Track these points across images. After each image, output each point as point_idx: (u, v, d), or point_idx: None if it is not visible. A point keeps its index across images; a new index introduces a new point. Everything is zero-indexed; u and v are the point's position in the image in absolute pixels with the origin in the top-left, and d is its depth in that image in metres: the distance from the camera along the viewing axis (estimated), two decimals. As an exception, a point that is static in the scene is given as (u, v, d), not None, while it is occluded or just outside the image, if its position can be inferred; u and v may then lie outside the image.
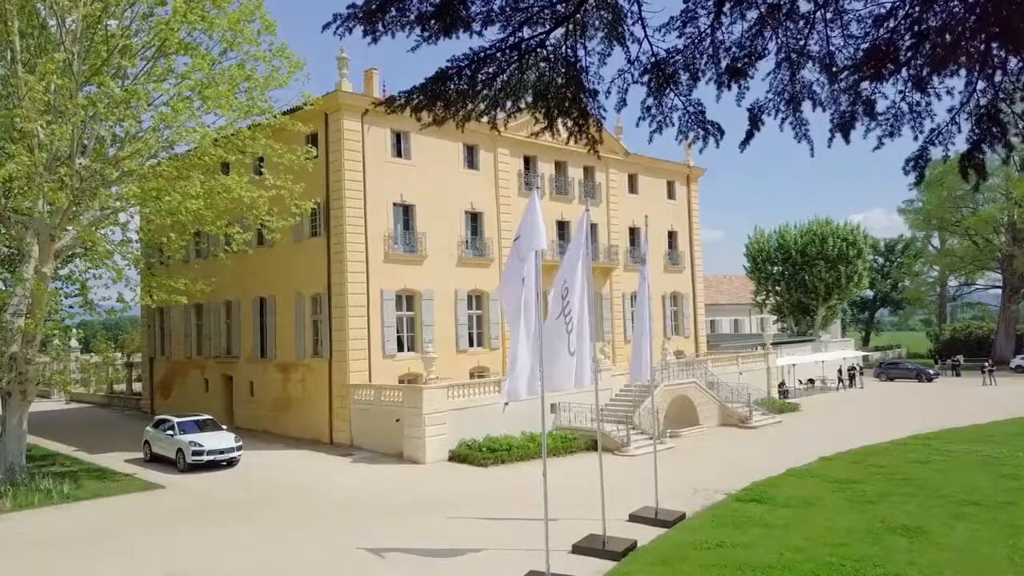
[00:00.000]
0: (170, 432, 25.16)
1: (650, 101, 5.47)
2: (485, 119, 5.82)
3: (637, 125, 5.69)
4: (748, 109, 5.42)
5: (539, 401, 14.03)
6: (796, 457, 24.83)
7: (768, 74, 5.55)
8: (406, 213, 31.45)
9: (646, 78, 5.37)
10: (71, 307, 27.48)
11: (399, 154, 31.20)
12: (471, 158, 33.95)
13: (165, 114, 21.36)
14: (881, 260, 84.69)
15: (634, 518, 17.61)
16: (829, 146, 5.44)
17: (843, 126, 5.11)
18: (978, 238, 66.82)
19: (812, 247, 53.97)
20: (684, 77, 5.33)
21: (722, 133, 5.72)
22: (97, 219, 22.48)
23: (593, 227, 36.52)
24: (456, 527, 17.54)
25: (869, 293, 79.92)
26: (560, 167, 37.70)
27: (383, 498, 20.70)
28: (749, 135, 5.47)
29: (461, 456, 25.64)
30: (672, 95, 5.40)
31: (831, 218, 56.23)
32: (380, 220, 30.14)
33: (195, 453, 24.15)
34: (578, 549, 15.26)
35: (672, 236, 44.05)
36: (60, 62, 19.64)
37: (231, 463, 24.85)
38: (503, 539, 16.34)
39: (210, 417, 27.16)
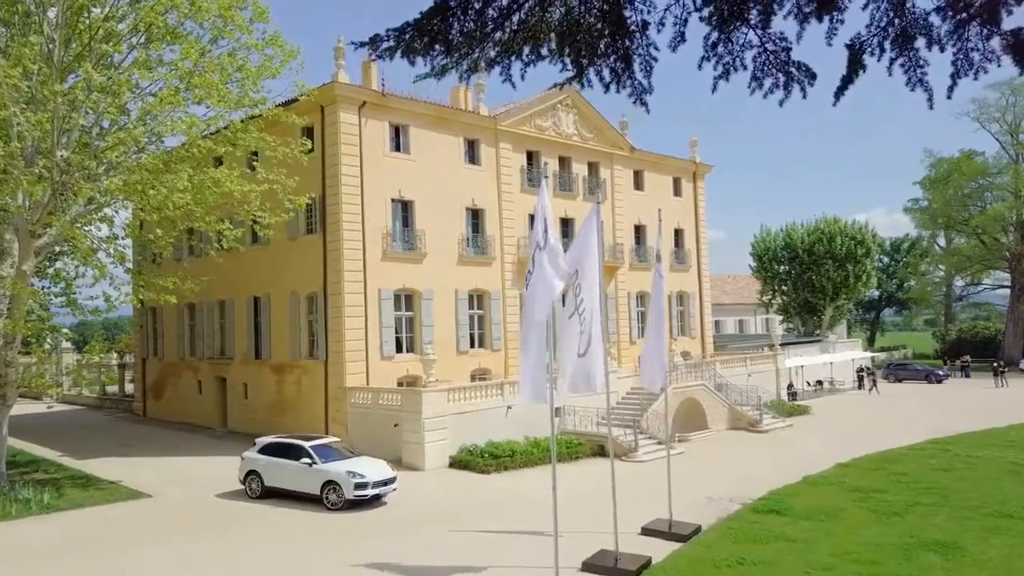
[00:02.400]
0: (307, 460, 19.90)
1: (715, 36, 4.34)
2: (497, 69, 4.71)
3: (700, 67, 4.53)
4: (847, 46, 4.27)
5: (542, 404, 13.17)
6: (810, 463, 23.89)
7: (868, 3, 4.33)
8: (405, 210, 30.37)
9: (708, 10, 4.27)
10: (58, 307, 26.50)
11: (398, 148, 30.12)
12: (472, 153, 32.88)
13: (151, 104, 20.30)
14: (886, 260, 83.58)
15: (647, 531, 16.60)
16: (949, 96, 4.33)
17: (1018, 48, 3.92)
18: (986, 237, 65.72)
19: (820, 246, 52.92)
20: (757, 8, 4.23)
21: (812, 77, 4.52)
22: (81, 214, 21.41)
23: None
24: (458, 541, 16.51)
25: (875, 293, 78.84)
26: (564, 163, 36.64)
27: (380, 507, 19.64)
28: (847, 80, 4.31)
29: (462, 462, 24.57)
30: (744, 29, 4.28)
31: (839, 216, 55.01)
32: (378, 217, 29.07)
33: (359, 486, 19.13)
34: (588, 567, 14.24)
35: (678, 234, 42.96)
36: (37, 46, 18.58)
37: (378, 498, 19.89)
38: (509, 554, 15.31)
39: (335, 438, 22.88)
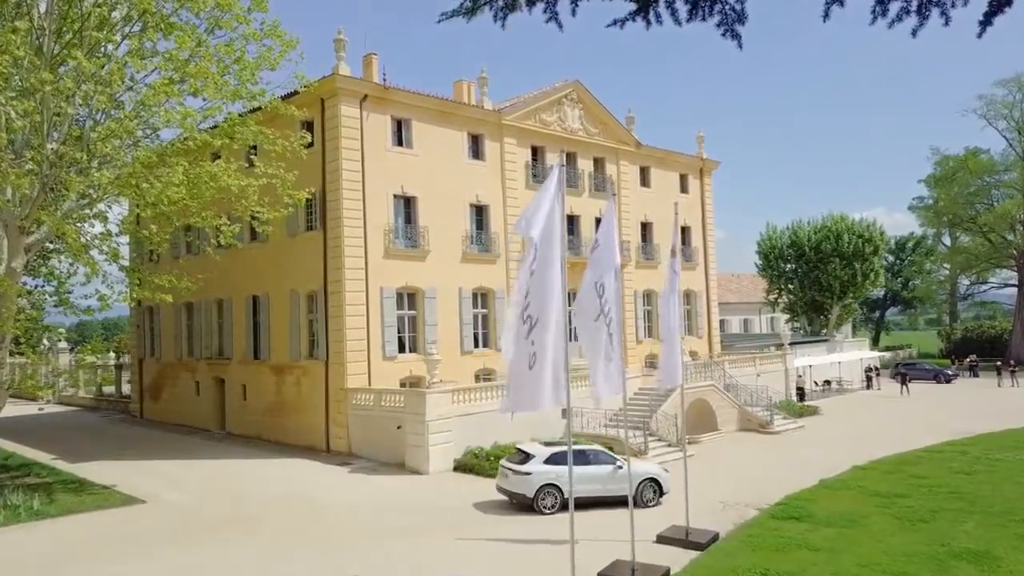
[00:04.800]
0: (617, 464, 19.27)
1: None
2: (540, 6, 3.88)
3: (814, -11, 3.75)
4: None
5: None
6: (825, 465, 23.19)
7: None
8: (407, 206, 29.63)
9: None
10: (52, 306, 25.74)
11: (400, 143, 29.38)
12: (476, 148, 32.13)
13: (145, 95, 19.54)
14: (891, 258, 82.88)
15: (662, 539, 15.87)
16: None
17: None
18: (993, 235, 65.02)
19: (827, 244, 52.18)
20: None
21: None
22: (72, 210, 20.65)
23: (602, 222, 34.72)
24: (466, 550, 15.76)
25: (879, 292, 78.16)
26: (570, 158, 35.86)
27: (383, 514, 18.92)
28: (998, 5, 3.47)
29: (467, 466, 23.84)
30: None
31: (846, 214, 54.22)
32: (380, 213, 28.32)
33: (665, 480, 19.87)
34: (604, 579, 13.49)
35: (685, 232, 42.10)
36: (24, 31, 17.82)
37: None
38: (519, 566, 14.58)
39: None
